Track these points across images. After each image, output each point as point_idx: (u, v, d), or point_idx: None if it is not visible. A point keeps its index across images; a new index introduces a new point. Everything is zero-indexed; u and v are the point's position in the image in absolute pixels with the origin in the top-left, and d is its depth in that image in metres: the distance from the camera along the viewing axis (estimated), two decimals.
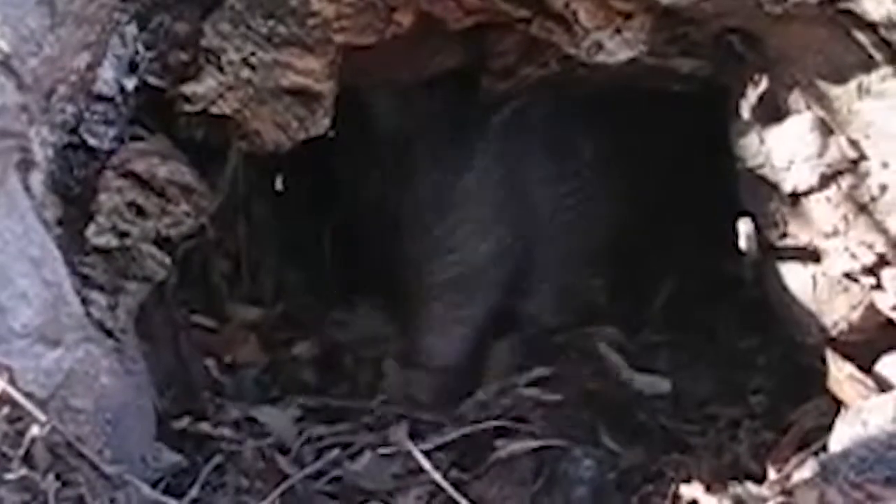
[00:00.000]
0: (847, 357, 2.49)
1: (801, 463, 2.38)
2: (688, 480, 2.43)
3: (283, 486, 2.40)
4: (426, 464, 2.42)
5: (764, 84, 2.43)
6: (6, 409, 2.06)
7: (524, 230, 2.82)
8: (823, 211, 2.42)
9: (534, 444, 2.60)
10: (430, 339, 2.76)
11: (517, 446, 2.60)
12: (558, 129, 2.82)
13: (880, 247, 2.38)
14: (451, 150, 2.74)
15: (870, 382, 2.46)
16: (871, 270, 2.41)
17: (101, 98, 2.29)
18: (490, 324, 2.81)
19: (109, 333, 2.28)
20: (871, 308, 2.45)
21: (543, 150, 2.83)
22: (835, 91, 2.38)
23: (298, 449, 2.55)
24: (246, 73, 2.34)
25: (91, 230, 2.29)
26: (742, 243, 2.65)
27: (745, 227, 2.62)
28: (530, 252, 2.85)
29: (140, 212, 2.33)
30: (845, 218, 2.40)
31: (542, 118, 2.78)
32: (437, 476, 2.39)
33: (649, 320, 3.01)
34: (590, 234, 2.93)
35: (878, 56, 2.33)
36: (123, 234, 2.31)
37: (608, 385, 2.83)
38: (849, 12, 2.29)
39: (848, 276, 2.44)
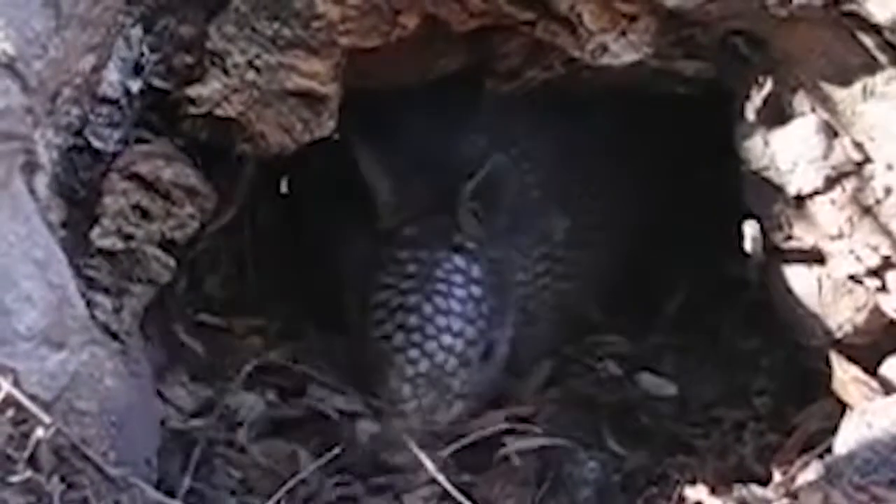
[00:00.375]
0: (852, 359, 2.49)
1: (806, 465, 2.39)
2: (692, 482, 2.43)
3: (289, 485, 2.40)
4: (429, 465, 2.42)
5: (768, 86, 2.43)
6: (11, 412, 2.06)
7: (507, 326, 2.70)
8: (828, 213, 2.41)
9: (542, 440, 2.61)
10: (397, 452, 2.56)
11: (524, 444, 2.60)
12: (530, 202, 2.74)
13: (885, 249, 2.38)
14: (438, 233, 2.65)
15: (874, 384, 2.46)
16: (875, 273, 2.41)
17: (105, 100, 2.29)
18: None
19: (114, 336, 2.28)
20: (876, 310, 2.45)
21: (515, 227, 2.72)
22: (839, 93, 2.37)
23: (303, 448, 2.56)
24: (251, 75, 2.34)
25: (96, 232, 2.29)
26: (747, 245, 2.65)
27: (750, 229, 2.62)
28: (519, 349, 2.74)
29: (145, 214, 2.32)
30: (850, 220, 2.40)
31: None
32: (441, 478, 2.39)
33: (655, 324, 3.01)
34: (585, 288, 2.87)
35: (882, 58, 2.32)
36: (128, 237, 2.31)
37: (612, 388, 2.83)
38: (853, 14, 2.29)
39: (853, 278, 2.44)
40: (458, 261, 2.64)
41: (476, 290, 2.63)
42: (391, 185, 2.65)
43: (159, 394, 2.50)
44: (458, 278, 2.63)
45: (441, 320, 2.60)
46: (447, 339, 2.59)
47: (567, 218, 2.79)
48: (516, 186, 2.69)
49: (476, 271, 2.64)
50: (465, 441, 2.58)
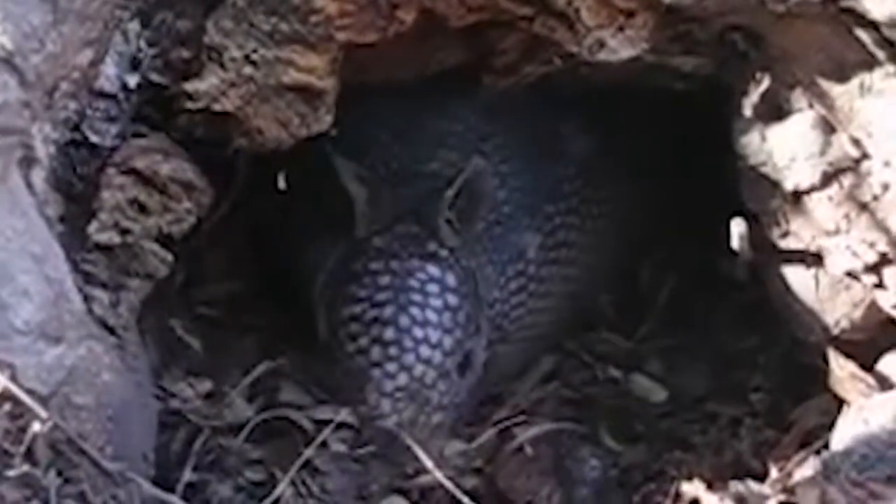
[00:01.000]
0: (848, 355, 2.49)
1: (803, 461, 2.39)
2: (689, 478, 2.43)
3: (286, 483, 2.41)
4: (428, 462, 2.42)
5: (766, 82, 2.43)
6: (8, 406, 2.06)
7: (483, 334, 2.64)
8: (825, 209, 2.42)
9: (552, 426, 2.62)
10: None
11: (533, 432, 2.61)
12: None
13: (882, 245, 2.39)
14: (410, 242, 2.60)
15: (871, 381, 2.46)
16: (872, 269, 2.41)
17: (103, 95, 2.29)
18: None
19: (111, 330, 2.28)
20: (873, 306, 2.46)
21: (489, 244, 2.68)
22: (837, 89, 2.38)
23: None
24: (248, 70, 2.34)
25: (93, 227, 2.29)
26: (734, 243, 2.64)
27: (737, 227, 2.62)
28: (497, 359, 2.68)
29: (142, 209, 2.32)
30: (847, 216, 2.40)
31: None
32: (439, 474, 2.39)
33: (649, 320, 3.02)
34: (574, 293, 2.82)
35: (879, 54, 2.33)
36: (125, 231, 2.31)
37: (608, 385, 2.83)
38: (851, 11, 2.29)
39: (850, 274, 2.44)
40: (432, 269, 2.58)
41: (452, 299, 2.57)
42: (368, 194, 2.61)
43: (159, 387, 2.50)
44: (433, 287, 2.57)
45: (418, 332, 2.54)
46: (425, 351, 2.54)
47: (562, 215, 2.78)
48: (493, 192, 2.65)
49: (451, 279, 2.59)
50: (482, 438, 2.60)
